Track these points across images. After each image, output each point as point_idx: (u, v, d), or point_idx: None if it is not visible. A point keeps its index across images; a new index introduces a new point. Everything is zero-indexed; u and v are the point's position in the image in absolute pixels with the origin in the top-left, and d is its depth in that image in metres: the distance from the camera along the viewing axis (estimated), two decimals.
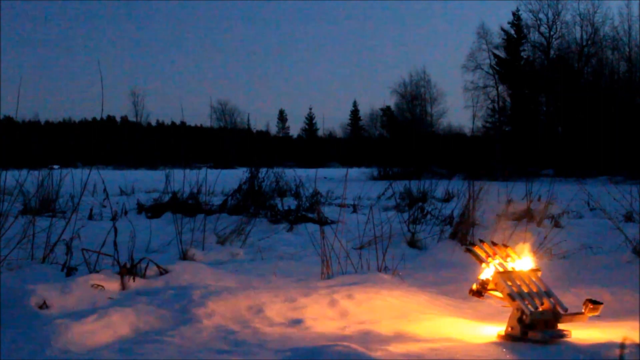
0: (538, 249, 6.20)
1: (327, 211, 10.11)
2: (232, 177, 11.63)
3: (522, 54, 46.99)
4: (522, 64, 46.19)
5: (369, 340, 3.58)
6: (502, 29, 47.02)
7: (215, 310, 4.04)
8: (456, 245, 6.93)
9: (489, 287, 3.80)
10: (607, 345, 3.29)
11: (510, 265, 3.89)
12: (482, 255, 3.97)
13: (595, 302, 3.57)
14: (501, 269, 3.81)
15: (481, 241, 4.08)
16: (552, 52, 45.86)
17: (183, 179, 7.67)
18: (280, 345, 3.44)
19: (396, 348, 3.42)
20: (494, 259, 3.91)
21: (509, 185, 9.20)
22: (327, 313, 4.17)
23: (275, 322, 3.94)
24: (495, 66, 47.26)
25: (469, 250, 4.03)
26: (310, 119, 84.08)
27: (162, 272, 4.92)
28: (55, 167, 9.15)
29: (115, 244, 4.87)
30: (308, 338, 3.60)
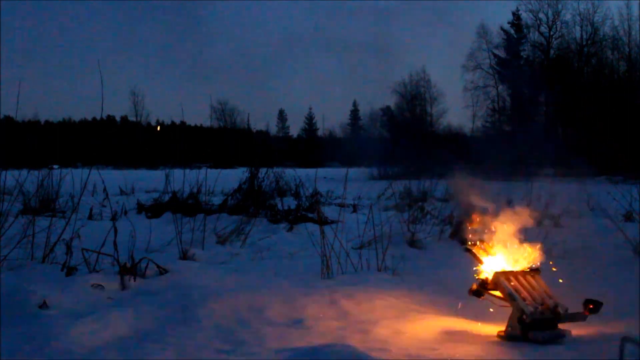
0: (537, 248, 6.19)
1: (327, 211, 10.10)
2: (232, 177, 11.62)
3: (522, 53, 46.99)
4: (522, 64, 46.18)
5: (369, 339, 3.58)
6: (502, 29, 47.02)
7: (215, 310, 4.04)
8: (456, 245, 6.92)
9: (488, 287, 3.80)
10: (607, 345, 3.29)
11: (509, 265, 3.90)
12: (482, 255, 3.97)
13: (595, 302, 3.57)
14: (501, 269, 3.82)
15: (481, 241, 4.09)
16: (552, 52, 45.86)
17: (183, 179, 7.67)
18: (280, 345, 3.44)
19: (396, 348, 3.42)
20: (495, 259, 3.92)
21: (509, 185, 9.20)
22: (327, 313, 4.17)
23: (275, 322, 3.94)
24: (495, 66, 47.26)
25: (468, 251, 4.03)
26: (310, 119, 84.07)
27: (162, 272, 4.93)
28: (55, 167, 9.13)
29: (115, 243, 4.87)
30: (308, 338, 3.60)
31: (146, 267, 4.87)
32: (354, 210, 10.94)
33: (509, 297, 3.60)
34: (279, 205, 10.21)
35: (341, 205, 9.58)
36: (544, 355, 3.29)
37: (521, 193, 9.35)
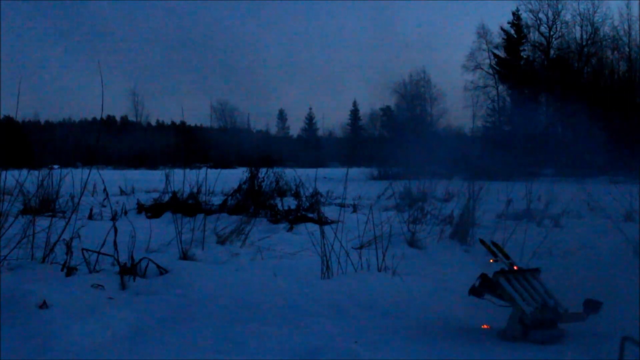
0: (538, 249, 6.20)
1: (327, 211, 10.10)
2: (232, 177, 11.63)
3: (522, 53, 46.99)
4: (522, 64, 46.19)
5: (369, 339, 3.58)
6: (502, 29, 47.03)
7: (215, 310, 4.04)
8: (456, 245, 6.93)
9: (489, 287, 3.80)
10: (607, 345, 3.29)
11: (510, 265, 3.90)
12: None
13: (595, 302, 3.57)
14: (501, 269, 3.82)
15: (481, 241, 4.09)
16: (552, 52, 45.89)
17: (183, 179, 7.67)
18: (280, 345, 3.44)
19: (396, 348, 3.42)
20: (495, 259, 3.93)
21: (508, 185, 9.20)
22: (327, 312, 4.17)
23: (275, 322, 3.94)
24: (495, 66, 47.27)
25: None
26: (310, 119, 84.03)
27: (162, 272, 4.93)
28: (55, 167, 9.14)
29: (115, 243, 4.87)
30: (308, 338, 3.60)
31: (146, 267, 4.87)
32: (354, 210, 10.95)
33: (509, 297, 3.60)
34: (279, 205, 10.22)
35: (341, 205, 9.59)
36: (544, 355, 3.29)
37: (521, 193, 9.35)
